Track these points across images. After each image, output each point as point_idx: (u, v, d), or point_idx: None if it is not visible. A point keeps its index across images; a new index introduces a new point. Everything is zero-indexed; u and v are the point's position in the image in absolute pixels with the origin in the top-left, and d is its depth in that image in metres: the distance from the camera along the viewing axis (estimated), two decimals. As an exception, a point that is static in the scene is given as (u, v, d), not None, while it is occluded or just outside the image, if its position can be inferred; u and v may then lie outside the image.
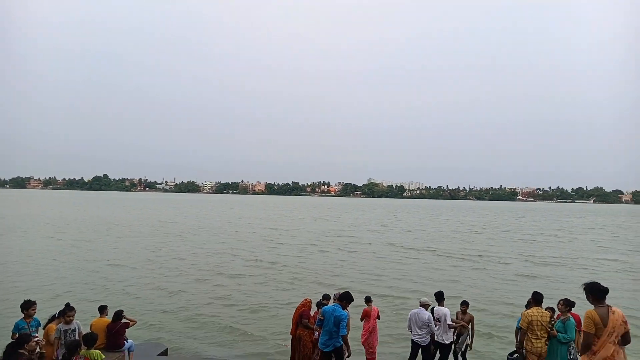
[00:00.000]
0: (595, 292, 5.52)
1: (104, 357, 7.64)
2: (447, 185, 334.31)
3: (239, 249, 32.21)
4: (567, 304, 8.11)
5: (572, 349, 7.81)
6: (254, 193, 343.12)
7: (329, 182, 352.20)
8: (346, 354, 8.32)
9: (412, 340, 9.65)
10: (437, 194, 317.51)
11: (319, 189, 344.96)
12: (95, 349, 7.67)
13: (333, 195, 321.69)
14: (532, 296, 8.27)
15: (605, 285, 5.64)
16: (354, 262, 27.60)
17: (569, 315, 8.01)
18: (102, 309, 9.79)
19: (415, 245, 37.47)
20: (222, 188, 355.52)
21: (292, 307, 15.55)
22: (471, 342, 9.99)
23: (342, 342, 8.06)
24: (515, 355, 8.19)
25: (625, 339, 5.42)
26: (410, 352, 9.76)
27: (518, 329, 8.76)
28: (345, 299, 8.22)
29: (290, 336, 9.70)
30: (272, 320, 15.04)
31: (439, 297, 9.89)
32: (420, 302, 9.82)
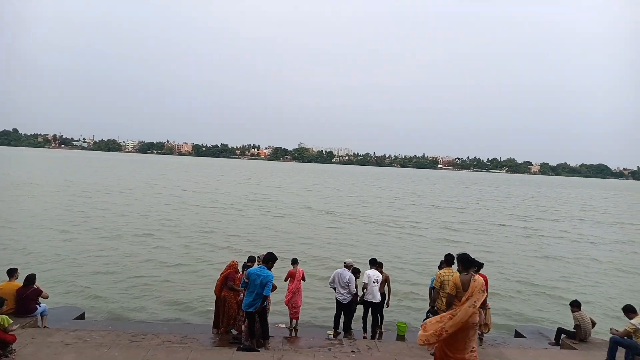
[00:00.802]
0: (465, 262, 6.32)
1: (11, 321, 7.24)
2: (374, 153, 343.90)
3: (158, 211, 31.36)
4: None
5: None
6: (180, 154, 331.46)
7: (259, 146, 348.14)
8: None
9: (336, 298, 10.10)
10: (364, 160, 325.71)
11: (249, 152, 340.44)
12: (3, 314, 7.25)
13: (263, 159, 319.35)
14: (444, 257, 8.82)
15: (472, 257, 6.42)
16: (278, 225, 27.96)
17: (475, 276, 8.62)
18: (12, 273, 9.20)
19: (343, 211, 38.38)
20: (146, 148, 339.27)
21: (213, 269, 15.62)
22: (388, 300, 10.56)
23: (265, 302, 8.23)
24: (429, 314, 8.71)
25: (483, 304, 6.30)
26: (335, 310, 10.24)
27: (432, 288, 9.34)
28: (270, 259, 8.33)
29: (215, 297, 9.73)
30: (194, 282, 14.97)
31: (372, 262, 10.53)
32: (345, 263, 10.27)
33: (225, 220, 28.83)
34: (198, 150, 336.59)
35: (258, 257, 9.71)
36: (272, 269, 8.29)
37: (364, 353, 8.08)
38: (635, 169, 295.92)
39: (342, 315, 10.19)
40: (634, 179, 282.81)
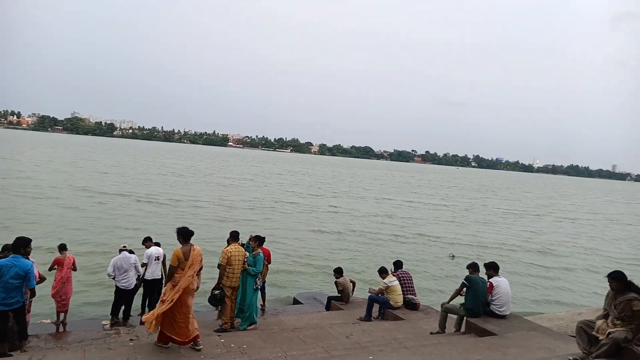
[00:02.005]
0: (184, 234, 6.77)
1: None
2: (162, 127, 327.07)
3: None
4: (257, 240, 9.09)
5: (258, 279, 8.88)
6: None
7: (19, 112, 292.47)
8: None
9: (118, 287, 9.39)
10: (151, 135, 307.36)
11: (5, 119, 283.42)
12: None
13: (25, 129, 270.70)
14: (230, 234, 8.95)
15: (191, 230, 6.88)
16: (40, 208, 24.41)
17: (259, 250, 9.00)
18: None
19: (111, 190, 35.03)
20: None
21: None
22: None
23: (24, 299, 6.98)
24: (216, 292, 8.74)
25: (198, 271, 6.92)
26: (114, 299, 9.52)
27: (219, 265, 9.42)
28: (21, 245, 6.90)
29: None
30: None
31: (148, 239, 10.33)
32: (121, 249, 9.64)
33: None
34: None
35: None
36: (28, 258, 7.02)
37: (145, 340, 7.67)
38: (392, 151, 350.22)
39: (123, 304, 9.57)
40: (392, 160, 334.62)
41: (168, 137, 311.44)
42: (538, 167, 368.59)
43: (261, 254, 8.86)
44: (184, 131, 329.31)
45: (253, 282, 8.64)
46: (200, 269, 6.96)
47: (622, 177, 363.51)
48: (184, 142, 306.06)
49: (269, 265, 11.10)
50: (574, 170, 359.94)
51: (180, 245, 6.77)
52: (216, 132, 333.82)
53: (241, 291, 8.66)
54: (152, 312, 6.76)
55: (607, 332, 5.74)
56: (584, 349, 5.98)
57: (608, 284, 6.01)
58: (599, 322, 5.93)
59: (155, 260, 9.82)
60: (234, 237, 8.85)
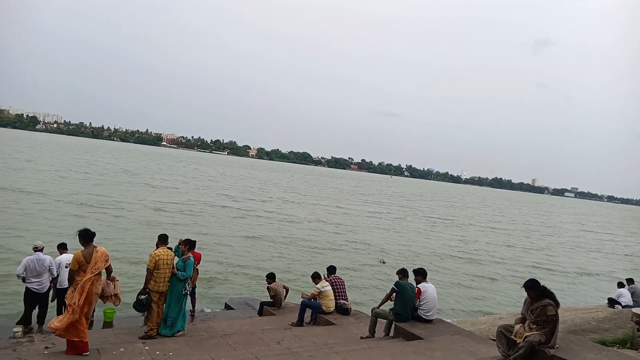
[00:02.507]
0: (85, 237, 6.62)
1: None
2: (90, 123, 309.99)
3: None
4: (188, 244, 8.81)
5: (188, 285, 8.60)
6: None
7: None
8: None
9: (30, 289, 8.73)
10: (78, 130, 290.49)
11: None
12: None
13: None
14: (158, 237, 8.60)
15: (92, 231, 6.71)
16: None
17: (189, 254, 8.72)
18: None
19: (27, 187, 32.87)
20: None
21: None
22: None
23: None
24: (142, 297, 8.35)
25: (108, 270, 6.93)
26: (25, 304, 8.84)
27: (147, 269, 9.01)
28: None
29: None
30: None
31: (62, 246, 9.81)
32: (35, 247, 8.98)
33: None
34: None
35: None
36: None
37: (60, 347, 7.13)
38: (330, 158, 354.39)
39: (37, 308, 8.89)
40: (329, 166, 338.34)
41: (97, 133, 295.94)
42: (465, 178, 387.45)
43: (191, 259, 8.61)
44: (114, 128, 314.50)
45: (182, 288, 8.36)
46: (110, 271, 6.84)
47: (541, 190, 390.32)
48: (114, 140, 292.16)
49: (199, 270, 10.79)
50: (497, 183, 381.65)
51: (82, 248, 6.58)
52: (149, 131, 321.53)
53: (168, 297, 8.34)
54: (59, 318, 6.54)
55: (524, 336, 6.08)
56: (503, 352, 6.29)
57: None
58: (517, 327, 6.27)
59: (65, 267, 9.18)
60: (162, 240, 8.52)
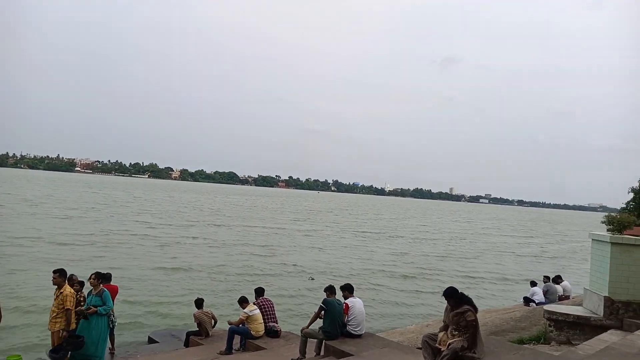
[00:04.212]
0: None
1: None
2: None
3: None
4: (99, 277, 8.28)
5: (113, 317, 8.08)
6: None
7: None
8: None
9: None
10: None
11: None
12: None
13: None
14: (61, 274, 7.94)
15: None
16: None
17: (102, 287, 8.17)
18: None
19: None
20: None
21: None
22: None
23: None
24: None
25: None
26: None
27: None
28: None
29: None
30: None
31: None
32: None
33: None
34: None
35: None
36: None
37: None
38: (257, 176, 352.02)
39: None
40: (256, 185, 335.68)
41: (1, 162, 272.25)
42: (389, 190, 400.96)
43: (106, 291, 8.04)
44: (21, 155, 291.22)
45: (107, 322, 7.78)
46: None
47: (458, 198, 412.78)
48: (22, 167, 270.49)
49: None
50: (419, 193, 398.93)
51: None
52: (60, 156, 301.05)
53: (92, 337, 7.72)
54: None
55: (447, 343, 6.26)
56: (430, 361, 6.44)
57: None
58: (440, 334, 6.45)
59: None
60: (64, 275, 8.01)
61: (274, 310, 10.56)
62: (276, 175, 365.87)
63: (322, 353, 8.43)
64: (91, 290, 8.07)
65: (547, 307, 10.04)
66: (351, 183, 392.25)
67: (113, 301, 9.98)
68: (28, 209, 44.62)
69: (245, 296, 10.37)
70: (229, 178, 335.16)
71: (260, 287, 11.01)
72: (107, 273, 9.70)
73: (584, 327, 8.90)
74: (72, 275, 9.14)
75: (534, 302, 14.96)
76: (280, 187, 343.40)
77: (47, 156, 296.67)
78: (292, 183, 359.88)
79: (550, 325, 9.31)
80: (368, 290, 20.22)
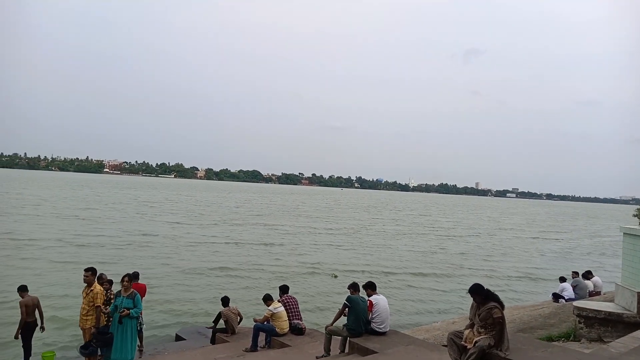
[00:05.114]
0: None
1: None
2: (25, 153, 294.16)
3: None
4: (131, 277, 8.43)
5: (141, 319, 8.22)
6: None
7: None
8: None
9: None
10: (12, 162, 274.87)
11: None
12: None
13: None
14: (92, 272, 8.15)
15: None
16: None
17: (133, 290, 8.33)
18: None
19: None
20: None
21: None
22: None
23: None
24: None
25: None
26: None
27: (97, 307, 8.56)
28: None
29: None
30: None
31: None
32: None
33: None
34: None
35: None
36: None
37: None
38: (280, 174, 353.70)
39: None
40: (280, 183, 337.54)
41: (33, 164, 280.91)
42: (413, 186, 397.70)
43: (138, 294, 8.18)
44: (52, 157, 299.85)
45: (137, 324, 7.93)
46: None
47: (484, 193, 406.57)
48: (53, 170, 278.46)
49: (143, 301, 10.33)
50: (443, 188, 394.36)
51: None
52: (89, 158, 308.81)
53: (125, 339, 7.89)
54: None
55: (473, 341, 6.16)
56: (455, 359, 6.35)
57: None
58: (466, 332, 6.35)
59: None
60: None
61: (298, 307, 10.60)
62: (299, 173, 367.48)
63: (346, 350, 8.42)
64: (119, 291, 8.21)
65: (576, 303, 9.80)
66: (375, 179, 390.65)
67: (142, 300, 10.23)
68: (56, 211, 45.76)
69: (270, 294, 10.44)
70: (253, 176, 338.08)
71: (284, 285, 11.06)
72: (134, 272, 9.89)
73: (616, 324, 8.65)
74: (101, 274, 9.37)
75: (563, 298, 14.61)
76: (303, 184, 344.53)
77: (77, 158, 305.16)
78: (316, 180, 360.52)
79: (580, 322, 9.07)
80: (392, 288, 20.11)
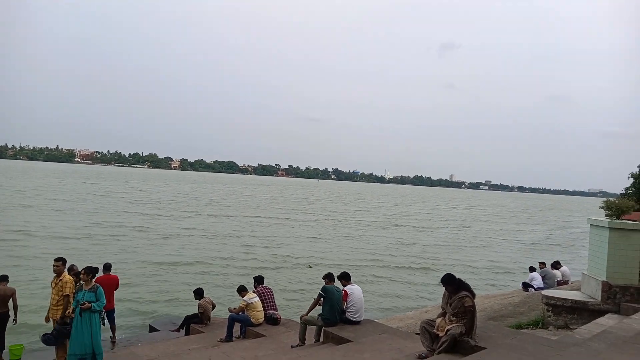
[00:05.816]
0: None
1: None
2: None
3: None
4: (89, 272, 8.08)
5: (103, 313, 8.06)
6: None
7: None
8: None
9: None
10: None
11: None
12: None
13: None
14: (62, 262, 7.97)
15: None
16: None
17: (94, 283, 8.08)
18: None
19: None
20: None
21: None
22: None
23: None
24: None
25: None
26: None
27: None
28: None
29: None
30: None
31: None
32: None
33: None
34: None
35: None
36: None
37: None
38: (256, 166, 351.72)
39: None
40: (256, 174, 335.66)
41: (0, 153, 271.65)
42: (389, 178, 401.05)
43: (100, 287, 7.88)
44: (20, 146, 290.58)
45: (99, 318, 7.72)
46: None
47: (458, 185, 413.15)
48: (21, 159, 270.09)
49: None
50: (419, 180, 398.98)
51: None
52: (60, 147, 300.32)
53: (86, 335, 7.68)
54: None
55: (445, 329, 6.29)
56: (428, 347, 6.48)
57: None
58: (438, 320, 6.48)
59: None
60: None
61: (273, 297, 10.60)
62: (276, 164, 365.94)
63: (321, 339, 8.48)
64: (81, 285, 7.90)
65: (545, 292, 10.09)
66: (351, 171, 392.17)
67: (114, 291, 10.08)
68: (22, 201, 44.30)
69: (244, 285, 10.41)
70: (229, 167, 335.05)
71: (259, 276, 11.04)
72: (106, 263, 9.71)
73: (581, 312, 8.95)
74: (72, 265, 9.16)
75: (532, 287, 15.02)
76: (280, 175, 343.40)
77: (47, 147, 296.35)
78: (292, 172, 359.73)
79: (548, 310, 9.35)
80: (366, 280, 20.31)
